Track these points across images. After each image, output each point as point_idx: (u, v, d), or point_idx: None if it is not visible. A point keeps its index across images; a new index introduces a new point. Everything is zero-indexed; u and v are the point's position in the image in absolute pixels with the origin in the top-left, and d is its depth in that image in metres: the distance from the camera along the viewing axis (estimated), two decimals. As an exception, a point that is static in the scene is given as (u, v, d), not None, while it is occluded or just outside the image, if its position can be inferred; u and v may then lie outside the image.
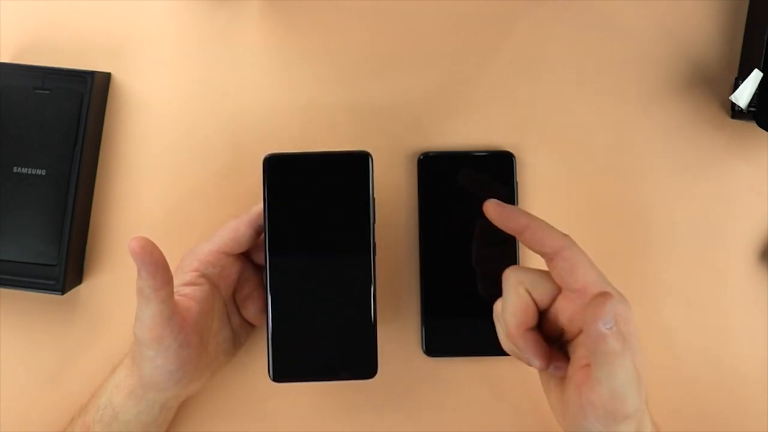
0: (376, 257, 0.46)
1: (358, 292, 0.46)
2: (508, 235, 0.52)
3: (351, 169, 0.46)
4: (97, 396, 0.48)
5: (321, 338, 0.46)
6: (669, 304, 0.54)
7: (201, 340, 0.46)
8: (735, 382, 0.53)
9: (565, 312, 0.41)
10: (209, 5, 0.56)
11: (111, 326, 0.54)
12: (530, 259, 0.53)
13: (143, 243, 0.41)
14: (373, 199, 0.46)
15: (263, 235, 0.46)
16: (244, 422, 0.53)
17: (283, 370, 0.46)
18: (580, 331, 0.41)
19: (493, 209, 0.43)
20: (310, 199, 0.46)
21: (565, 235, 0.42)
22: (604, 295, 0.37)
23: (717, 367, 0.53)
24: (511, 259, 0.53)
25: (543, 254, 0.42)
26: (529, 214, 0.42)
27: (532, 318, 0.42)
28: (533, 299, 0.42)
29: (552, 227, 0.42)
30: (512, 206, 0.43)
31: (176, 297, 0.45)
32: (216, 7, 0.56)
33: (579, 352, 0.40)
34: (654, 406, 0.53)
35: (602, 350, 0.36)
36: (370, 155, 0.46)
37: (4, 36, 0.56)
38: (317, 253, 0.46)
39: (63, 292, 0.51)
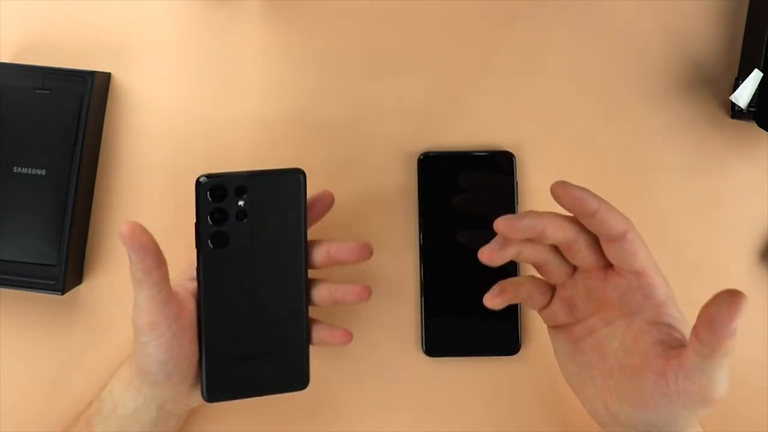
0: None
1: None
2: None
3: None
4: (102, 388, 0.49)
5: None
6: (669, 304, 0.54)
7: (195, 339, 0.46)
8: (735, 382, 0.53)
9: (618, 288, 0.41)
10: (209, 5, 0.56)
11: (111, 326, 0.54)
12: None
13: (132, 227, 0.42)
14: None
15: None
16: (244, 421, 0.53)
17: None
18: (630, 312, 0.41)
19: (564, 192, 0.41)
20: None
21: (627, 217, 0.41)
22: (736, 295, 0.37)
23: (717, 367, 0.53)
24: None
25: (606, 236, 0.41)
26: (597, 196, 0.40)
27: (567, 235, 0.41)
28: (582, 242, 0.42)
29: (616, 209, 0.41)
30: (581, 188, 0.41)
31: (177, 288, 0.46)
32: (216, 7, 0.56)
33: (647, 339, 0.40)
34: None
35: (724, 347, 0.37)
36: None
37: (4, 36, 0.56)
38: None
39: (63, 292, 0.51)
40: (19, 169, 0.52)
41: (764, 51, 0.51)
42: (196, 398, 0.48)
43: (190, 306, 0.46)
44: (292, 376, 0.47)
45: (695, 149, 0.55)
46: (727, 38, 0.55)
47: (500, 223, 0.41)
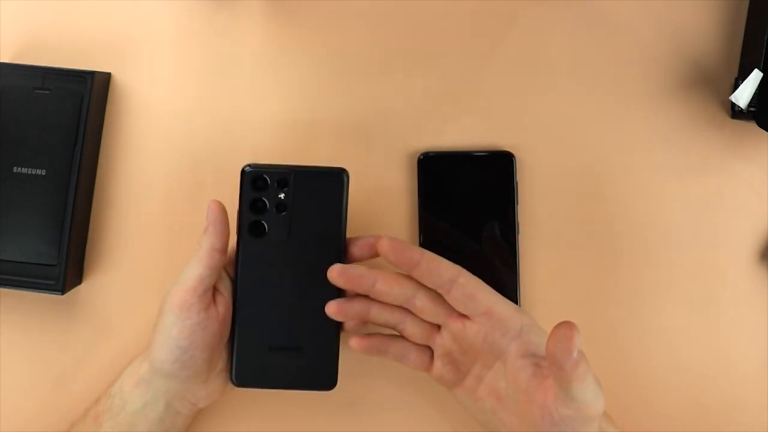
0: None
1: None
2: (509, 235, 0.53)
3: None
4: (111, 384, 0.49)
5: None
6: (669, 304, 0.54)
7: (217, 340, 0.46)
8: (735, 382, 0.53)
9: (478, 334, 0.44)
10: (210, 5, 0.56)
11: (111, 326, 0.54)
12: (530, 257, 0.54)
13: (222, 206, 0.46)
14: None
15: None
16: (244, 420, 0.53)
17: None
18: (499, 352, 0.44)
19: (388, 246, 0.44)
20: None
21: (455, 265, 0.44)
22: (569, 326, 0.38)
23: (717, 367, 0.53)
24: (511, 257, 0.53)
25: (440, 286, 0.44)
26: (420, 249, 0.44)
27: (403, 291, 0.45)
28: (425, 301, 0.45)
29: (442, 259, 0.44)
30: (405, 242, 0.44)
31: (217, 292, 0.47)
32: (216, 7, 0.56)
33: (522, 375, 0.43)
34: (654, 406, 0.53)
35: (577, 374, 0.38)
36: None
37: (4, 36, 0.56)
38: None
39: (63, 292, 0.51)
40: (19, 169, 0.52)
41: (764, 51, 0.51)
42: (204, 398, 0.49)
43: (221, 309, 0.46)
44: (321, 374, 0.47)
45: (695, 149, 0.55)
46: (727, 38, 0.55)
47: (333, 271, 0.44)
